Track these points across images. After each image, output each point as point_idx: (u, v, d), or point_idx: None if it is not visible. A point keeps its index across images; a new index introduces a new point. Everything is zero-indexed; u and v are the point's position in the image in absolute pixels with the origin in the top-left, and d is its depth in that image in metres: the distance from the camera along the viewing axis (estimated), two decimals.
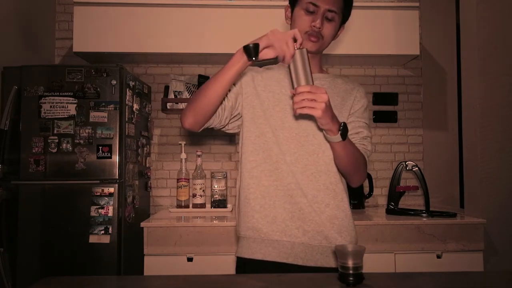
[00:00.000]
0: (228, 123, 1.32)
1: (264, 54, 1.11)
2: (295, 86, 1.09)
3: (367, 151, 1.33)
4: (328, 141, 1.20)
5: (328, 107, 1.08)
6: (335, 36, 1.34)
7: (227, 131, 1.36)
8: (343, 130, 1.14)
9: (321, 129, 1.19)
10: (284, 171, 1.25)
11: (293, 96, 1.08)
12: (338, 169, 1.29)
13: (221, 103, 1.25)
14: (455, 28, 2.64)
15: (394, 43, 2.48)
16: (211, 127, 1.30)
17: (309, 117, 1.21)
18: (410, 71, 2.83)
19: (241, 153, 1.32)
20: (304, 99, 1.06)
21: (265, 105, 1.29)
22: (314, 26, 1.26)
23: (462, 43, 2.30)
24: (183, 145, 2.57)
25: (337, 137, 1.15)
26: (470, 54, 2.23)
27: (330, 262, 1.26)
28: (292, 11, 1.33)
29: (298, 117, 1.25)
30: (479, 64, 2.17)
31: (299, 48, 1.10)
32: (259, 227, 1.25)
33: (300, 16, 1.28)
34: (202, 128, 1.28)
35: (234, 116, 1.32)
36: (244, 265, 1.28)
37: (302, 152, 1.26)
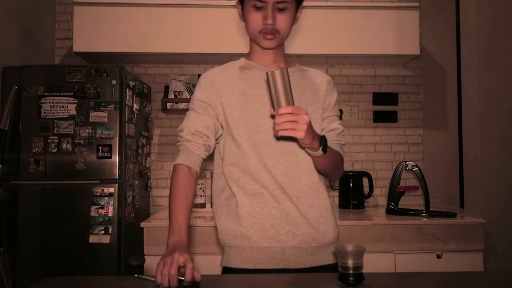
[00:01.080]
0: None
1: None
2: (276, 107, 1.05)
3: (342, 146, 1.35)
4: (309, 155, 1.20)
5: (310, 127, 1.06)
6: (293, 22, 1.27)
7: None
8: (324, 145, 1.15)
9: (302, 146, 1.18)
10: (266, 178, 1.22)
11: (273, 117, 1.06)
12: (318, 171, 1.28)
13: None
14: (455, 28, 2.64)
15: (394, 43, 2.48)
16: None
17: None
18: (410, 71, 2.83)
19: (223, 163, 1.27)
20: (286, 121, 1.03)
21: (237, 111, 1.24)
22: (266, 24, 1.20)
23: (462, 43, 2.30)
24: None
25: (319, 152, 1.15)
26: (470, 54, 2.23)
27: (319, 261, 1.25)
28: (242, 9, 1.26)
29: (272, 119, 1.20)
30: (479, 64, 2.17)
31: (281, 68, 1.05)
32: (248, 235, 1.22)
33: (250, 14, 1.22)
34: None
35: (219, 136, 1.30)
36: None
37: (282, 154, 1.23)
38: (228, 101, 1.24)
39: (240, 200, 1.23)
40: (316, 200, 1.26)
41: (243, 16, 1.27)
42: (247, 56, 1.34)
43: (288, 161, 1.23)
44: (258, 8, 1.20)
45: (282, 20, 1.21)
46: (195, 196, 1.27)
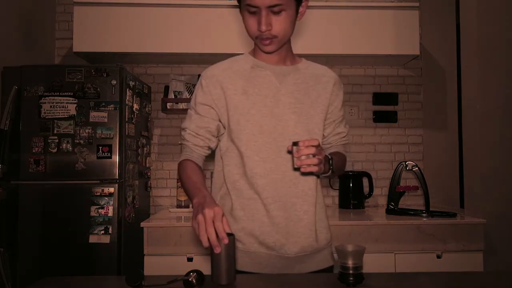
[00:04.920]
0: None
1: None
2: (215, 272, 0.97)
3: (346, 148, 1.37)
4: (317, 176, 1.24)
5: (322, 159, 1.09)
6: (295, 21, 1.21)
7: None
8: (333, 166, 1.17)
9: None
10: (260, 185, 1.21)
11: (291, 152, 1.08)
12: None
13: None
14: (455, 28, 2.64)
15: (394, 43, 2.48)
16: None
17: (286, 120, 1.22)
18: (410, 71, 2.83)
19: (223, 163, 1.27)
20: (306, 158, 1.05)
21: (239, 110, 1.22)
22: (260, 31, 1.15)
23: (462, 43, 2.30)
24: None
25: (327, 173, 1.18)
26: (470, 54, 2.23)
27: (307, 268, 1.24)
28: (240, 7, 1.21)
29: (274, 120, 1.21)
30: (479, 64, 2.17)
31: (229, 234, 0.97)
32: (237, 237, 1.21)
33: (246, 19, 1.18)
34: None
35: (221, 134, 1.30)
36: None
37: (280, 159, 1.22)
38: (230, 102, 1.23)
39: (234, 202, 1.23)
40: (312, 208, 1.24)
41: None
42: (251, 51, 1.31)
43: (285, 165, 1.22)
44: (252, 13, 1.15)
45: (278, 24, 1.15)
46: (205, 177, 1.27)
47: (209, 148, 1.27)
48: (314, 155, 1.05)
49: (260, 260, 1.21)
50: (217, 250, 0.95)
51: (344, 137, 1.37)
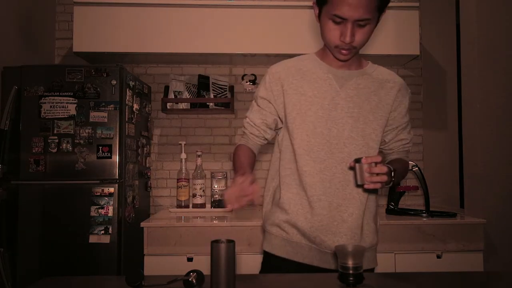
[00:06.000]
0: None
1: None
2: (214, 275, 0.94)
3: (408, 154, 1.38)
4: None
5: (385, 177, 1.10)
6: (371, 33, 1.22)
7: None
8: (395, 178, 1.15)
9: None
10: (308, 183, 1.25)
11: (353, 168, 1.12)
12: None
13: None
14: (455, 28, 2.64)
15: (394, 43, 2.48)
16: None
17: (342, 124, 1.25)
18: (410, 71, 2.83)
19: (280, 156, 1.33)
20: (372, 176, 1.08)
21: (295, 112, 1.26)
22: (343, 41, 1.16)
23: (462, 43, 2.30)
24: (183, 145, 2.57)
25: (390, 184, 1.16)
26: (470, 54, 2.23)
27: None
28: (319, 12, 1.21)
29: (330, 123, 1.25)
30: (479, 64, 2.17)
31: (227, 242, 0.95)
32: (282, 226, 1.29)
33: (328, 26, 1.17)
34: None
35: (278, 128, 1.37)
36: (269, 259, 1.33)
37: (331, 160, 1.24)
38: (288, 100, 1.27)
39: (282, 195, 1.30)
40: (357, 211, 1.26)
41: (319, 20, 1.23)
42: (319, 51, 1.33)
43: (336, 167, 1.25)
44: (336, 23, 1.15)
45: (361, 36, 1.18)
46: (255, 159, 1.38)
47: (265, 138, 1.36)
48: (377, 174, 1.08)
49: (301, 250, 1.28)
50: (229, 206, 1.06)
51: (407, 143, 1.37)
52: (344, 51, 1.20)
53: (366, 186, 1.08)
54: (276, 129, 1.36)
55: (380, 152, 1.35)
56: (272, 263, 1.31)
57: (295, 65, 1.31)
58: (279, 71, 1.30)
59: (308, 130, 1.25)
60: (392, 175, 1.12)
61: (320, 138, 1.24)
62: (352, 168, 1.11)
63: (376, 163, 1.08)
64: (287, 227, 1.28)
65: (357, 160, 1.08)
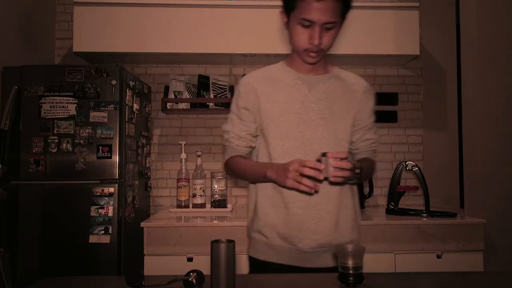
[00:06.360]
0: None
1: None
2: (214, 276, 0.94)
3: (375, 154, 1.41)
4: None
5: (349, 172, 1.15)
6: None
7: None
8: (359, 175, 1.20)
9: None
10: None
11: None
12: None
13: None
14: (455, 28, 2.64)
15: (394, 43, 2.48)
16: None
17: (314, 126, 1.30)
18: (410, 71, 2.83)
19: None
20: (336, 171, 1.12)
21: (270, 116, 1.32)
22: (311, 44, 1.23)
23: (462, 43, 2.30)
24: (183, 145, 2.57)
25: (353, 181, 1.22)
26: (470, 54, 2.23)
27: (326, 263, 1.30)
28: (288, 18, 1.27)
29: (302, 126, 1.30)
30: (479, 64, 2.17)
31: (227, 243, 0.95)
32: (263, 231, 1.33)
33: (296, 31, 1.24)
34: None
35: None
36: (254, 264, 1.37)
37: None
38: (262, 107, 1.33)
39: (259, 199, 1.34)
40: (334, 208, 1.30)
41: (288, 27, 1.28)
42: (287, 59, 1.39)
43: None
44: (305, 27, 1.21)
45: (328, 39, 1.24)
46: None
47: (251, 147, 1.39)
48: (342, 169, 1.12)
49: (282, 253, 1.31)
50: (311, 190, 1.13)
51: (373, 143, 1.41)
52: (312, 54, 1.25)
53: (330, 179, 1.13)
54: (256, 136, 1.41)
55: (349, 153, 1.40)
56: (258, 268, 1.35)
57: (264, 74, 1.37)
58: (251, 81, 1.36)
59: (282, 134, 1.30)
60: (356, 172, 1.18)
61: (294, 141, 1.30)
62: (319, 161, 1.15)
63: (341, 159, 1.12)
64: (267, 231, 1.32)
65: (324, 154, 1.14)
